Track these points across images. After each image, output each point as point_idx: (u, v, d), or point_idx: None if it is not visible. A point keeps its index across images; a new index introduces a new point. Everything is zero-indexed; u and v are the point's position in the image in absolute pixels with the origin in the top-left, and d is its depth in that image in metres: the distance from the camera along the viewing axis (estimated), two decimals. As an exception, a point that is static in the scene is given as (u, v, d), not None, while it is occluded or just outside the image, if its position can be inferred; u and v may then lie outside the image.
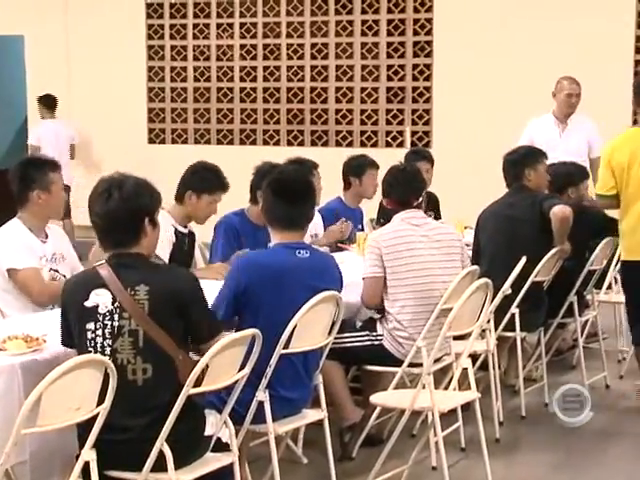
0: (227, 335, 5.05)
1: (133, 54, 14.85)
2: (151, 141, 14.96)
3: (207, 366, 4.64)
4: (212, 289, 5.62)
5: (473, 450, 6.45)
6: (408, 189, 6.93)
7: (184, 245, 7.13)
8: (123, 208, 4.84)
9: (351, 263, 7.23)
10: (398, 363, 6.46)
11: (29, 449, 4.73)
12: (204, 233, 7.57)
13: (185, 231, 7.17)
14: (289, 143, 14.24)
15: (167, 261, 6.80)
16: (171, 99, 14.86)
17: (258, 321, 5.23)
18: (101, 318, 4.73)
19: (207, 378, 4.68)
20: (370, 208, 9.11)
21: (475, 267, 6.97)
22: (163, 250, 6.78)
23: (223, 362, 4.77)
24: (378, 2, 13.78)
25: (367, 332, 6.64)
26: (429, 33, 13.63)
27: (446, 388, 6.45)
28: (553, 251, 7.69)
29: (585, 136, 10.04)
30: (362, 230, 8.80)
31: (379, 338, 6.60)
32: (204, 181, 7.04)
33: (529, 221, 7.80)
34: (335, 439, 6.14)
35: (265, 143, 14.35)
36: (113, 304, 4.74)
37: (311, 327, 5.46)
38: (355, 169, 8.82)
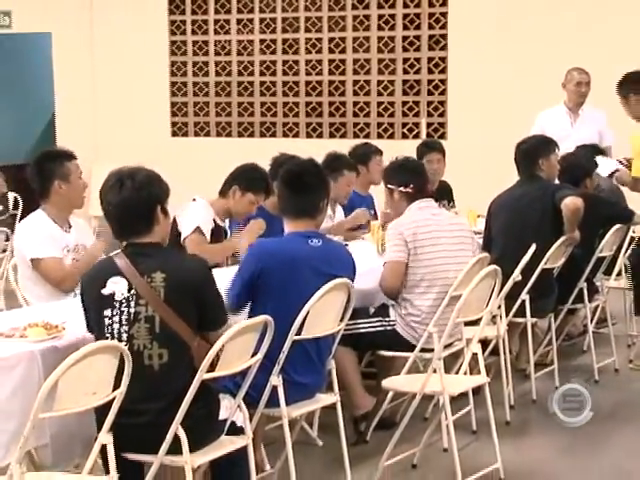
0: (239, 320, 5.10)
1: (156, 50, 14.84)
2: (174, 134, 14.96)
3: (221, 351, 4.66)
4: (226, 275, 5.70)
5: (484, 433, 6.45)
6: (424, 178, 6.96)
7: (220, 237, 7.16)
8: (136, 196, 4.86)
9: (366, 251, 7.22)
10: (411, 348, 6.46)
11: (49, 432, 4.76)
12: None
13: (222, 225, 7.21)
14: (308, 135, 14.23)
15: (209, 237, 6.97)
16: (193, 93, 14.86)
17: (271, 307, 5.26)
18: (117, 305, 4.75)
19: (221, 363, 4.69)
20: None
21: (485, 254, 6.97)
22: (207, 229, 6.99)
23: (236, 348, 4.78)
24: (394, -3, 13.78)
25: (380, 318, 6.63)
26: (444, 27, 13.58)
27: (457, 373, 6.45)
28: (563, 239, 7.69)
29: (596, 126, 10.02)
30: (375, 215, 8.81)
31: (392, 323, 6.60)
32: (252, 181, 7.12)
33: (540, 210, 7.80)
34: (349, 423, 6.15)
35: (285, 135, 14.34)
36: (129, 291, 4.76)
37: (323, 314, 5.46)
38: (361, 157, 8.82)
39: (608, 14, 12.64)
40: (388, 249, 6.62)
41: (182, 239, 6.90)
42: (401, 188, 6.77)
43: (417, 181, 6.84)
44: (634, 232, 8.89)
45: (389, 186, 6.87)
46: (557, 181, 8.19)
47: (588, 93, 10.11)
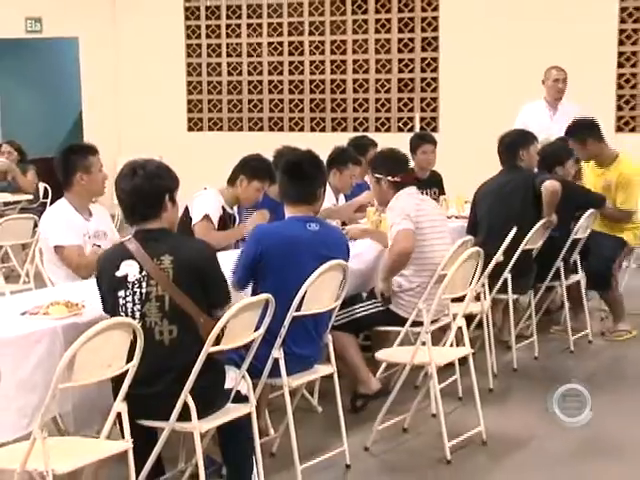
0: (242, 297, 5.10)
1: (174, 52, 14.86)
2: (190, 129, 14.97)
3: (226, 326, 4.65)
4: (231, 257, 5.73)
5: (468, 399, 6.42)
6: (409, 168, 6.96)
7: (228, 222, 7.14)
8: (147, 184, 4.87)
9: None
10: (402, 323, 6.45)
11: (72, 402, 4.76)
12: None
13: (231, 212, 7.18)
14: (312, 129, 14.24)
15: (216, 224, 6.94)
16: (207, 91, 14.87)
17: (272, 286, 5.23)
18: (130, 286, 4.75)
19: (226, 338, 4.68)
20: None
21: (469, 237, 6.98)
22: (215, 216, 6.95)
23: (240, 323, 4.78)
24: (390, 2, 13.75)
25: (373, 300, 6.61)
26: (435, 30, 13.59)
27: (444, 345, 6.44)
28: (541, 222, 7.70)
29: (572, 118, 9.97)
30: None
31: (386, 301, 6.60)
32: (256, 169, 7.06)
33: (521, 196, 7.81)
34: (345, 391, 6.14)
35: (291, 130, 14.35)
36: (141, 273, 4.75)
37: (320, 292, 5.45)
38: (359, 148, 8.78)
39: (583, 20, 12.65)
40: (396, 223, 6.50)
41: (192, 225, 6.88)
42: (389, 177, 6.73)
43: (403, 170, 6.81)
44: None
45: (377, 175, 6.79)
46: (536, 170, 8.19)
47: (565, 89, 10.08)
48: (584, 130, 8.81)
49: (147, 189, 4.88)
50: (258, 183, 7.04)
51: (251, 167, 7.09)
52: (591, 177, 8.80)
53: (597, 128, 8.77)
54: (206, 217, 6.88)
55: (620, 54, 12.79)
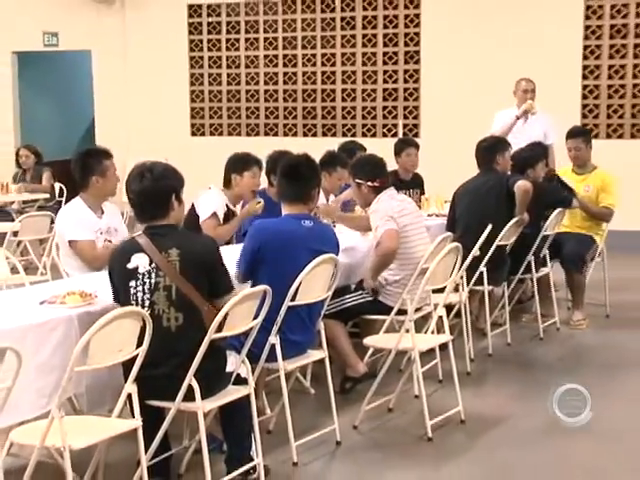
0: (244, 288, 5.08)
1: (178, 64, 14.81)
2: (193, 134, 14.93)
3: (227, 315, 4.64)
4: (234, 251, 5.70)
5: (448, 382, 6.43)
6: (387, 172, 6.94)
7: (230, 218, 7.08)
8: (155, 186, 4.86)
9: (348, 232, 7.17)
10: (387, 312, 6.44)
11: (85, 383, 4.75)
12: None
13: (233, 209, 7.14)
14: (304, 135, 14.21)
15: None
16: (209, 100, 14.82)
17: (269, 277, 5.23)
18: (141, 277, 4.75)
19: (227, 325, 4.67)
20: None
21: (449, 233, 6.98)
22: (221, 213, 6.92)
23: (240, 312, 4.77)
24: (375, 19, 13.71)
25: (360, 291, 6.59)
26: (417, 44, 13.56)
27: (426, 332, 6.43)
28: (514, 220, 7.70)
29: (542, 126, 9.98)
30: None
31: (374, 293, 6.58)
32: (241, 162, 7.04)
33: (496, 197, 7.82)
34: (336, 374, 6.13)
35: (285, 135, 14.31)
36: (150, 265, 4.74)
37: (313, 283, 5.44)
38: (348, 152, 8.75)
39: (551, 36, 12.67)
40: (380, 224, 6.49)
41: (200, 222, 6.85)
42: (369, 182, 6.70)
43: (382, 174, 6.78)
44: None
45: (357, 181, 6.74)
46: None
47: (534, 98, 10.07)
48: (589, 136, 9.04)
49: (155, 190, 4.87)
50: (248, 172, 7.00)
51: (236, 162, 7.05)
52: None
53: None
54: (214, 214, 6.87)
55: (584, 67, 12.80)
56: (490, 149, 8.08)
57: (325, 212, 7.23)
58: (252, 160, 7.05)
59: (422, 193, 9.30)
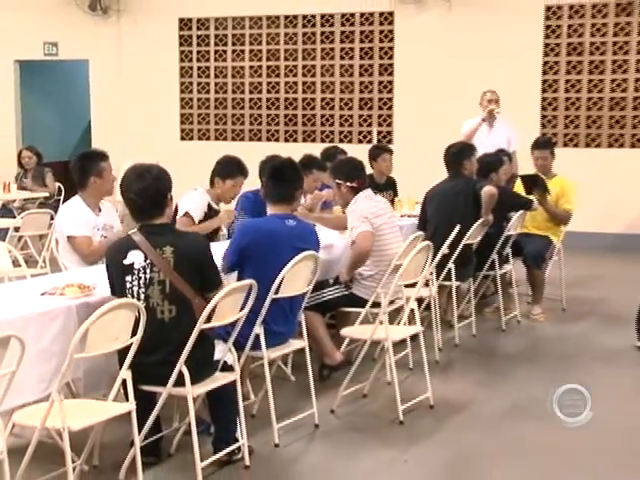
0: (231, 283, 5.06)
1: (169, 72, 14.76)
2: (182, 138, 14.88)
3: (216, 307, 4.63)
4: (220, 247, 5.67)
5: (418, 370, 6.44)
6: (365, 174, 6.93)
7: (214, 216, 6.98)
8: (155, 185, 4.85)
9: (326, 230, 7.15)
10: (363, 305, 6.43)
11: (82, 369, 4.72)
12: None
13: (216, 207, 7.05)
14: (286, 140, 14.18)
15: (197, 221, 6.76)
16: (197, 107, 14.78)
17: (254, 272, 5.21)
18: (136, 272, 4.73)
19: (215, 316, 4.67)
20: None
21: (420, 232, 6.98)
22: (196, 214, 6.78)
23: (227, 304, 4.77)
24: (352, 34, 13.69)
25: (337, 286, 6.58)
26: (391, 58, 13.55)
27: (398, 323, 6.42)
28: (480, 221, 7.71)
29: (505, 134, 10.01)
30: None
31: (348, 287, 6.58)
32: (227, 169, 6.94)
33: (464, 199, 7.82)
34: (315, 362, 6.12)
35: (268, 140, 14.28)
36: (145, 261, 4.73)
37: (296, 278, 5.44)
38: (330, 156, 8.73)
39: (514, 51, 12.69)
40: (356, 225, 6.49)
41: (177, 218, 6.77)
42: (348, 183, 6.69)
43: (360, 176, 6.77)
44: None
45: (337, 181, 6.74)
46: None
47: (499, 112, 10.10)
48: (553, 147, 9.07)
49: (155, 190, 4.85)
50: (231, 180, 6.91)
51: (221, 168, 6.96)
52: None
53: None
54: (186, 214, 6.74)
55: (544, 82, 12.83)
56: (458, 154, 8.07)
57: (303, 215, 7.20)
58: (238, 169, 6.93)
59: (395, 195, 9.30)
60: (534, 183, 8.55)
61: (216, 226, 6.86)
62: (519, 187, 8.77)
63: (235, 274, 5.51)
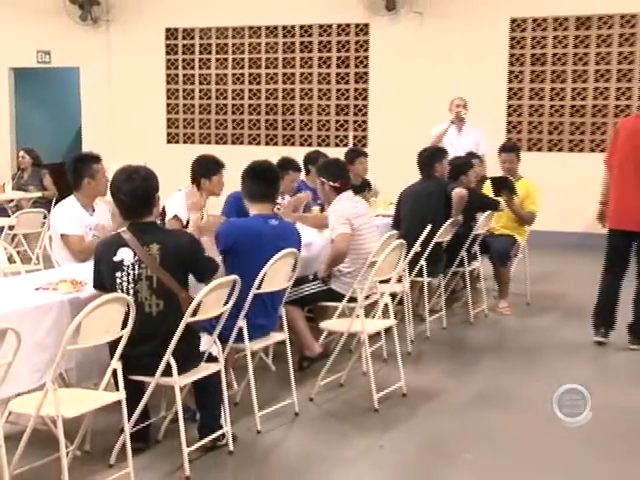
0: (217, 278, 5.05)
1: (156, 80, 14.70)
2: (168, 142, 14.82)
3: (201, 301, 4.62)
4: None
5: (392, 361, 6.43)
6: (348, 175, 6.93)
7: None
8: (143, 186, 4.83)
9: (306, 229, 7.14)
10: (340, 299, 6.42)
11: (75, 360, 4.70)
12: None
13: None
14: (266, 144, 14.16)
15: (185, 222, 6.62)
16: (183, 112, 14.73)
17: (239, 269, 5.17)
18: (125, 269, 4.71)
19: (201, 310, 4.66)
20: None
21: (395, 231, 6.98)
22: (184, 215, 6.64)
23: (212, 299, 4.76)
24: (330, 44, 13.69)
25: (317, 282, 6.57)
26: (366, 67, 13.55)
27: (373, 317, 6.42)
28: (450, 220, 7.71)
29: (474, 138, 10.04)
30: (322, 204, 8.73)
31: (325, 282, 6.57)
32: (207, 168, 6.79)
33: (436, 200, 7.81)
34: (295, 354, 6.10)
35: (249, 143, 14.26)
36: (134, 258, 4.71)
37: (277, 274, 5.43)
38: (312, 160, 8.72)
39: (481, 61, 12.73)
40: (336, 226, 6.49)
41: (166, 221, 6.70)
42: (331, 182, 6.69)
43: (343, 177, 6.77)
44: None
45: (322, 179, 6.75)
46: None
47: (466, 113, 10.14)
48: (519, 151, 9.07)
49: (143, 190, 4.83)
50: (215, 176, 6.78)
51: (203, 170, 6.75)
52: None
53: None
54: (175, 216, 6.69)
55: (509, 90, 12.86)
56: (430, 157, 8.07)
57: (285, 214, 7.19)
58: (217, 165, 6.79)
59: (372, 195, 9.28)
60: (502, 185, 8.57)
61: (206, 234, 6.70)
62: (487, 188, 8.79)
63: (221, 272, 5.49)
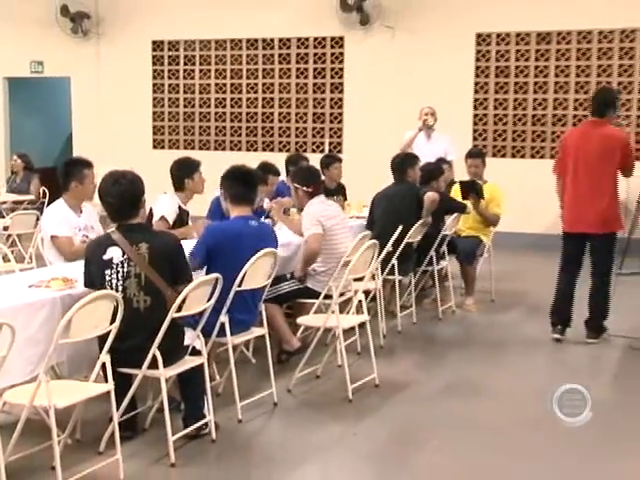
0: (199, 276, 5.04)
1: (143, 89, 14.65)
2: (154, 147, 14.76)
3: (186, 298, 4.62)
4: (190, 244, 5.59)
5: (365, 354, 6.44)
6: (320, 181, 6.94)
7: (184, 216, 6.91)
8: (130, 189, 4.83)
9: (284, 230, 7.15)
10: (316, 297, 6.44)
11: (66, 353, 4.68)
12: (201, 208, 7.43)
13: (185, 208, 6.96)
14: (247, 149, 14.13)
15: (171, 223, 6.68)
16: (168, 119, 14.68)
17: (221, 267, 5.17)
18: (115, 266, 4.70)
19: (185, 306, 4.66)
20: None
21: (368, 232, 6.99)
22: (170, 217, 6.70)
23: (196, 296, 4.76)
24: (307, 55, 13.69)
25: (294, 280, 6.58)
26: (341, 77, 13.56)
27: (348, 313, 6.43)
28: (420, 222, 7.73)
29: (443, 145, 10.07)
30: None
31: (302, 281, 6.58)
32: (188, 169, 6.81)
33: (408, 203, 7.81)
34: (274, 347, 6.11)
35: (231, 149, 14.23)
36: (123, 256, 4.70)
37: (256, 273, 5.43)
38: (293, 162, 8.71)
39: (450, 73, 12.77)
40: (309, 227, 6.52)
41: (153, 223, 6.69)
42: (304, 187, 6.71)
43: (315, 183, 6.79)
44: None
45: (295, 185, 6.76)
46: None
47: (435, 121, 10.17)
48: (485, 157, 9.14)
49: (130, 193, 4.83)
50: (196, 174, 6.79)
51: (184, 171, 6.81)
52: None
53: None
54: (161, 218, 6.66)
55: (475, 100, 12.90)
56: (402, 163, 8.09)
57: (277, 216, 7.24)
58: (194, 164, 6.84)
59: (345, 199, 9.29)
60: (470, 188, 8.60)
61: (188, 234, 6.69)
62: (456, 191, 8.82)
63: (203, 270, 5.49)
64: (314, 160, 9.11)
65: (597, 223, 7.07)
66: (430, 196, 7.75)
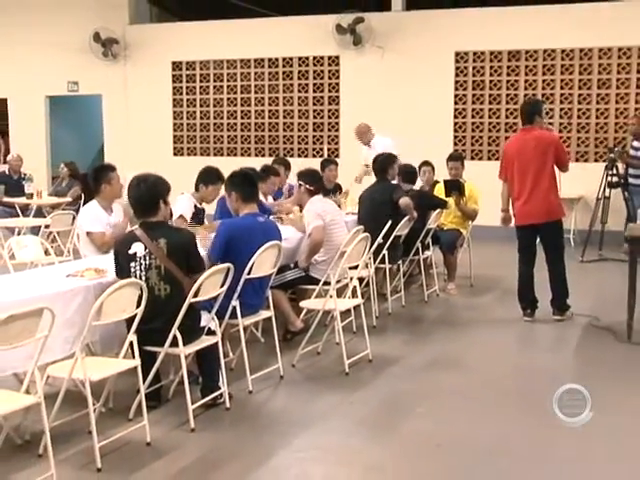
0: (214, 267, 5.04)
1: (164, 103, 14.63)
2: (175, 154, 14.75)
3: (201, 285, 4.63)
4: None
5: (360, 333, 6.46)
6: (321, 182, 6.95)
7: (199, 214, 6.93)
8: (147, 193, 4.83)
9: (287, 227, 7.13)
10: (317, 283, 6.47)
11: (99, 333, 4.70)
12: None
13: (200, 207, 6.98)
14: (256, 155, 14.06)
15: (189, 220, 6.68)
16: (187, 130, 14.66)
17: (233, 258, 5.20)
18: (139, 260, 4.73)
19: (201, 292, 4.68)
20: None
21: (361, 227, 6.99)
22: (187, 214, 6.72)
23: (210, 282, 4.78)
24: (307, 72, 13.68)
25: (297, 269, 6.60)
26: (337, 91, 13.54)
27: (344, 297, 6.44)
28: (407, 217, 7.69)
29: (381, 147, 9.52)
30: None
31: (305, 270, 6.60)
32: (208, 177, 6.79)
33: (388, 200, 7.67)
34: (280, 327, 6.13)
35: (242, 155, 14.15)
36: (145, 251, 4.72)
37: (264, 262, 5.45)
38: (283, 162, 8.73)
39: (433, 86, 12.73)
40: (311, 221, 6.52)
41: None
42: (307, 185, 6.73)
43: (317, 183, 6.82)
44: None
45: (300, 182, 6.78)
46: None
47: (367, 135, 10.35)
48: (463, 159, 9.10)
49: (148, 196, 4.86)
50: (212, 186, 6.75)
51: (204, 176, 6.79)
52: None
53: None
54: (180, 216, 6.69)
55: (455, 109, 12.88)
56: (382, 163, 7.96)
57: (288, 219, 7.25)
58: (217, 177, 6.75)
59: (341, 197, 9.27)
60: (453, 187, 8.60)
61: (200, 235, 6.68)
62: (440, 189, 8.79)
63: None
64: (315, 164, 9.09)
65: (543, 214, 7.11)
66: (402, 202, 7.62)
